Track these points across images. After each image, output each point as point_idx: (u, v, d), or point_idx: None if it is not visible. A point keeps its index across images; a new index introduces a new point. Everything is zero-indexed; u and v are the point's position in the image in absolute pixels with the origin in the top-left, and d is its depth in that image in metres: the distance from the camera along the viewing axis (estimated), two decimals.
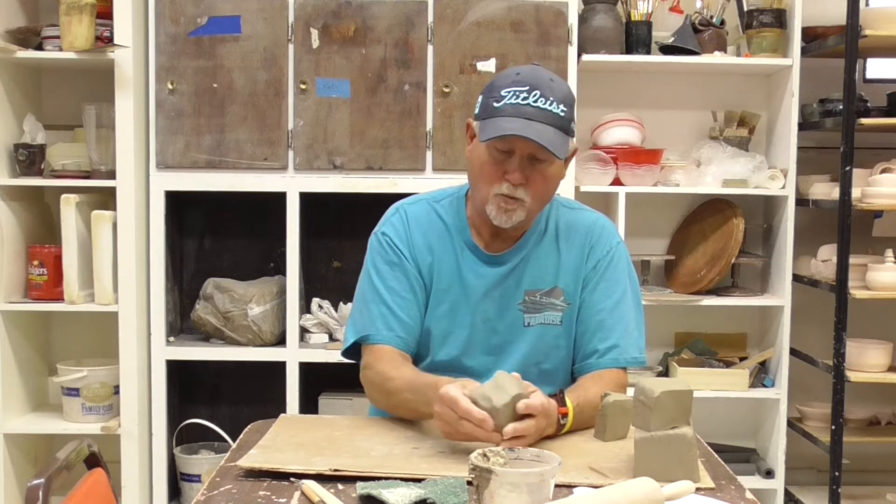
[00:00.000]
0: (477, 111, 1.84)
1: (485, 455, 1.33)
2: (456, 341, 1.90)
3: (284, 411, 3.02)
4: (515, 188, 1.79)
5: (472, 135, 1.87)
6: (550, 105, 1.75)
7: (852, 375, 3.15)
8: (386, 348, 1.87)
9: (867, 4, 3.55)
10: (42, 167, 3.13)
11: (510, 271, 1.90)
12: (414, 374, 1.81)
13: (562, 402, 1.70)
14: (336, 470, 1.49)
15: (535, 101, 1.74)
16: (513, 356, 1.89)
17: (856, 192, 3.13)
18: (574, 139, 1.84)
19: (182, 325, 3.33)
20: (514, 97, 1.75)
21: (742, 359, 3.50)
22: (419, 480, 1.44)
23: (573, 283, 1.91)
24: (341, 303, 3.19)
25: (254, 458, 1.54)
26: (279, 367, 3.10)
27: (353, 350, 1.94)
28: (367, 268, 1.95)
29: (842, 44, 3.13)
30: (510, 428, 1.55)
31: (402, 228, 1.94)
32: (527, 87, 1.76)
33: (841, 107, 3.20)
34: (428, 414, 1.67)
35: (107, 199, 3.11)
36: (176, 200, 3.19)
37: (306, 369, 3.16)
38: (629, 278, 1.95)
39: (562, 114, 1.76)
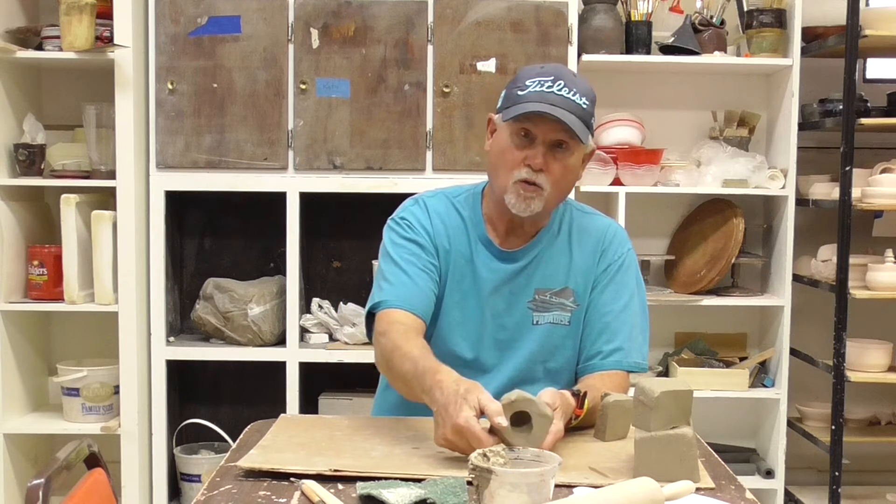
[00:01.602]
0: (500, 104, 1.87)
1: (485, 455, 1.33)
2: (466, 333, 1.91)
3: (284, 411, 3.02)
4: (536, 174, 1.80)
5: (492, 129, 1.89)
6: (573, 95, 1.78)
7: (852, 375, 3.15)
8: (400, 313, 1.83)
9: (867, 4, 3.55)
10: (42, 167, 3.13)
11: (522, 268, 1.91)
12: (421, 352, 1.75)
13: (581, 405, 1.70)
14: (336, 470, 1.49)
15: (560, 90, 1.77)
16: (520, 353, 1.90)
17: (856, 192, 3.13)
18: (592, 138, 1.85)
19: (182, 325, 3.33)
20: (539, 85, 1.79)
21: (742, 359, 3.50)
22: (419, 480, 1.44)
23: (583, 284, 1.93)
24: (341, 303, 3.19)
25: (254, 459, 1.54)
26: (279, 367, 3.10)
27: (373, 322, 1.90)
28: (384, 249, 1.95)
29: (842, 44, 3.13)
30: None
31: (423, 215, 1.95)
32: (551, 77, 1.79)
33: (841, 107, 3.20)
34: (417, 396, 1.66)
35: (107, 199, 3.11)
36: (176, 200, 3.19)
37: (306, 369, 3.15)
38: (637, 285, 1.97)
39: (584, 106, 1.79)
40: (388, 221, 1.98)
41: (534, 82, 1.79)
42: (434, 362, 1.70)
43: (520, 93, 1.79)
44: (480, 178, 2.00)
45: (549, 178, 1.81)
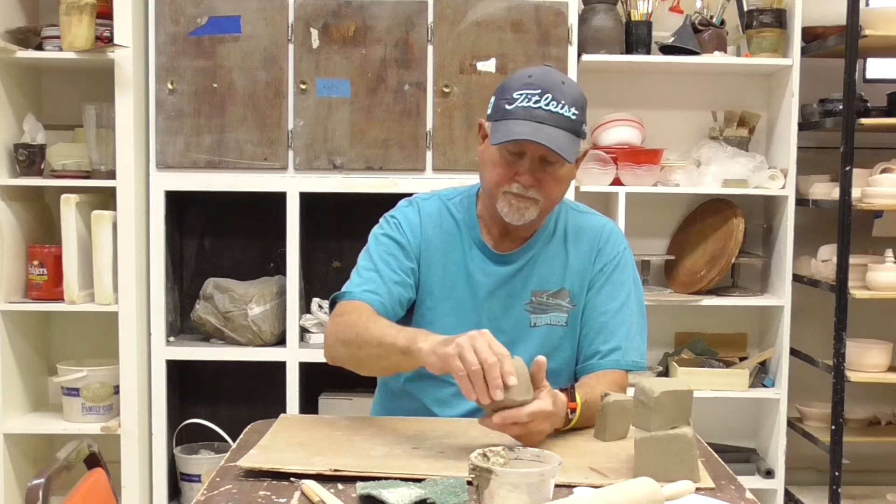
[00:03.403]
0: (489, 112, 1.85)
1: (485, 455, 1.33)
2: None
3: (284, 411, 3.02)
4: (527, 189, 1.80)
5: (483, 135, 1.89)
6: (562, 108, 1.76)
7: (852, 375, 3.15)
8: (365, 304, 1.83)
9: (867, 4, 3.55)
10: (42, 167, 3.13)
11: (517, 271, 1.91)
12: (397, 325, 1.77)
13: (572, 397, 1.70)
14: (336, 470, 1.49)
15: (547, 105, 1.75)
16: (518, 355, 1.89)
17: (856, 192, 3.13)
18: (585, 141, 1.84)
19: (182, 325, 3.33)
20: (526, 100, 1.76)
21: (742, 359, 3.50)
22: (419, 480, 1.44)
23: (579, 284, 1.92)
24: None
25: (254, 459, 1.54)
26: (279, 367, 3.10)
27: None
28: (368, 243, 1.96)
29: (842, 44, 3.13)
30: (498, 418, 1.52)
31: (415, 218, 1.95)
32: (538, 91, 1.76)
33: (841, 107, 3.20)
34: (399, 352, 1.64)
35: (107, 199, 3.11)
36: (176, 200, 3.19)
37: (306, 369, 3.16)
38: (634, 283, 1.96)
39: (573, 117, 1.77)
40: (382, 218, 1.99)
41: (521, 96, 1.77)
42: (420, 329, 1.72)
43: (508, 107, 1.78)
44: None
45: (542, 191, 1.81)
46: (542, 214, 1.86)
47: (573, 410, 1.69)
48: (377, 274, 1.88)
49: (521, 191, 1.80)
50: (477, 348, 1.51)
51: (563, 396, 1.66)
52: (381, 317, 1.80)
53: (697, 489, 1.41)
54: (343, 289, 1.90)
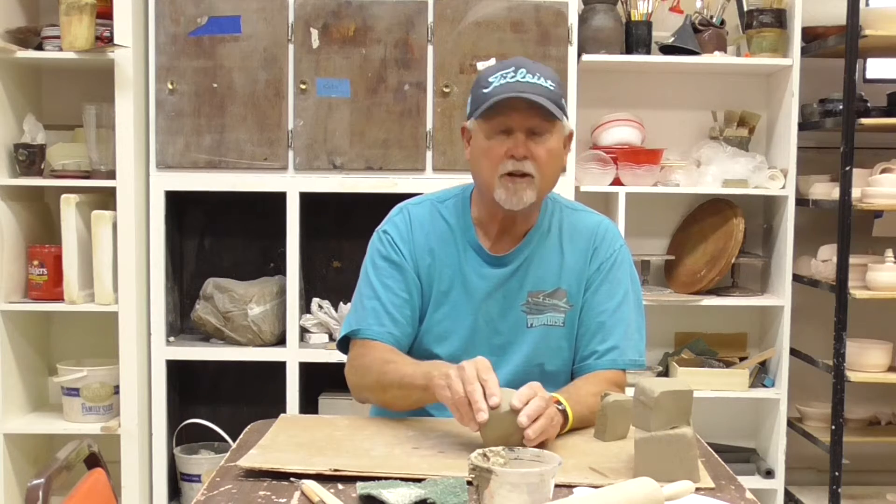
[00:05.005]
0: (468, 110, 1.86)
1: (485, 455, 1.33)
2: (458, 341, 1.90)
3: (284, 411, 3.02)
4: (521, 162, 1.79)
5: (468, 137, 1.89)
6: (539, 79, 1.78)
7: (852, 375, 3.15)
8: (377, 343, 1.87)
9: (867, 4, 3.55)
10: (42, 167, 3.13)
11: (513, 272, 1.90)
12: (414, 360, 1.82)
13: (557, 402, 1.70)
14: (336, 470, 1.49)
15: (524, 77, 1.78)
16: (515, 356, 1.90)
17: (856, 192, 3.13)
18: (567, 120, 1.85)
19: (182, 325, 3.33)
20: (502, 78, 1.79)
21: (742, 359, 3.50)
22: (419, 480, 1.44)
23: (576, 284, 1.92)
24: (341, 303, 3.19)
25: (254, 458, 1.54)
26: (279, 367, 3.10)
27: (346, 345, 1.95)
28: (365, 265, 1.96)
29: (842, 44, 3.13)
30: (524, 417, 1.53)
31: (405, 228, 1.94)
32: (512, 68, 1.79)
33: (841, 107, 3.20)
34: (420, 389, 1.68)
35: (107, 199, 3.11)
36: (176, 200, 3.19)
37: (306, 369, 3.16)
38: (631, 281, 1.95)
39: (551, 87, 1.79)
40: (374, 234, 1.98)
41: (496, 77, 1.79)
42: (434, 361, 1.76)
43: (485, 91, 1.79)
44: None
45: (535, 163, 1.80)
46: (539, 195, 1.84)
47: (558, 403, 1.68)
48: (379, 303, 1.89)
49: (515, 166, 1.79)
50: (464, 378, 1.56)
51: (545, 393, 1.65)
52: (396, 354, 1.84)
53: (697, 489, 1.41)
54: (352, 324, 1.91)
